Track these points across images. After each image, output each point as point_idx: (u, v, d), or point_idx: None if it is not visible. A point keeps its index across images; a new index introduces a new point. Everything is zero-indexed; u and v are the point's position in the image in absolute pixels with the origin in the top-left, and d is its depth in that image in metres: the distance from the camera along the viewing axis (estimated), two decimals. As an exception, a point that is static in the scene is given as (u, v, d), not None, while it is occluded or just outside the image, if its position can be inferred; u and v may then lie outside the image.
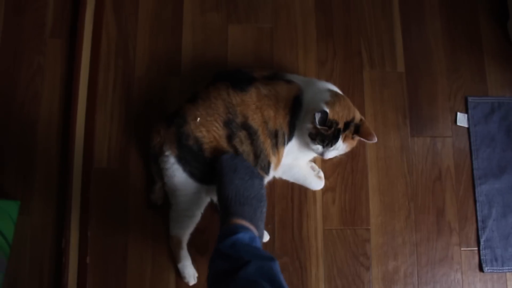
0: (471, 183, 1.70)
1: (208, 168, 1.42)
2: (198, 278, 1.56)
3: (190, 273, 1.53)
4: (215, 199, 1.47)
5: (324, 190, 1.63)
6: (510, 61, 1.81)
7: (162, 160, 1.46)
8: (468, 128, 1.74)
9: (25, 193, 1.59)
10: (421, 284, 1.61)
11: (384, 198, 1.65)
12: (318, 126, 1.33)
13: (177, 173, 1.44)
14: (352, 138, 1.41)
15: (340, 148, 1.40)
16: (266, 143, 1.42)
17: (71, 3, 1.74)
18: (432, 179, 1.69)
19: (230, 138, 1.41)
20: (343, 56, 1.75)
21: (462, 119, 1.75)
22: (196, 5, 1.76)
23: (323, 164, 1.64)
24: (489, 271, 1.63)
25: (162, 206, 1.57)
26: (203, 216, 1.55)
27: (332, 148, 1.39)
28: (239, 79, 1.45)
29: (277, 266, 1.15)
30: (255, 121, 1.41)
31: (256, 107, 1.41)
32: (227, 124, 1.40)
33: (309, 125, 1.37)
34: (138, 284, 1.55)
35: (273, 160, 1.44)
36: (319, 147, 1.39)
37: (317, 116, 1.32)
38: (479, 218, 1.67)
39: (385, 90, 1.73)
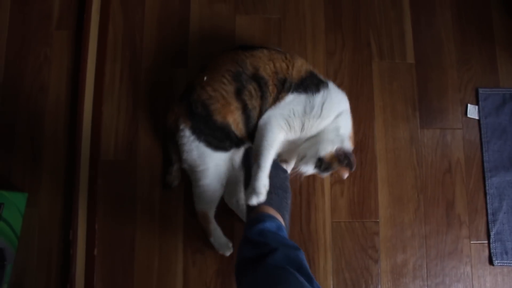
0: (482, 176, 1.69)
1: (220, 133, 1.41)
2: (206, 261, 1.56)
3: (224, 245, 1.53)
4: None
5: (333, 182, 1.63)
6: (522, 52, 1.79)
7: (179, 136, 1.46)
8: (478, 120, 1.73)
9: (32, 185, 1.60)
10: (430, 277, 1.60)
11: (393, 190, 1.65)
12: (340, 164, 1.37)
13: (193, 146, 1.44)
14: None
15: (323, 175, 1.45)
16: (272, 93, 1.39)
17: (77, -6, 1.73)
18: (442, 171, 1.68)
19: (239, 92, 1.39)
20: (352, 47, 1.74)
21: (472, 111, 1.73)
22: (204, -5, 1.75)
23: (332, 156, 1.63)
24: (499, 264, 1.62)
25: (175, 187, 1.59)
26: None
27: (321, 173, 1.42)
28: (249, 46, 1.47)
29: (303, 255, 1.16)
30: (266, 71, 1.39)
31: (268, 59, 1.40)
32: (236, 76, 1.39)
33: (328, 153, 1.37)
34: (145, 276, 1.55)
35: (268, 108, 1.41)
36: (311, 168, 1.40)
37: (346, 161, 1.37)
38: (489, 211, 1.66)
39: (395, 82, 1.72)
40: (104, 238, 1.57)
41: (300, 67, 1.42)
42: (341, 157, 1.36)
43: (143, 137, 1.63)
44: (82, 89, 1.63)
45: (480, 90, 1.75)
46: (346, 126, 1.41)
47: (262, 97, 1.39)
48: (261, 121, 1.40)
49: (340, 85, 1.61)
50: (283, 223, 1.32)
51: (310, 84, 1.40)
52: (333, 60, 1.72)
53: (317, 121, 1.39)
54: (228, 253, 1.54)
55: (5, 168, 1.60)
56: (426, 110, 1.71)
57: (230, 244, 1.54)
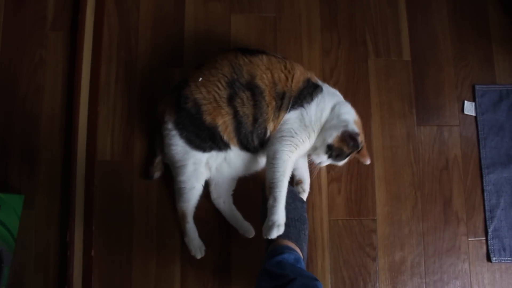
0: (479, 173, 1.69)
1: (206, 133, 1.41)
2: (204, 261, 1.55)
3: (196, 247, 1.52)
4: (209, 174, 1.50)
5: (330, 180, 1.63)
6: (519, 48, 1.80)
7: (163, 128, 1.47)
8: (475, 117, 1.73)
9: (29, 187, 1.60)
10: (428, 275, 1.60)
11: (390, 188, 1.65)
12: (348, 147, 1.38)
13: (174, 140, 1.44)
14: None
15: (341, 163, 1.45)
16: (270, 105, 1.39)
17: (72, -5, 1.73)
18: (439, 168, 1.68)
19: (231, 99, 1.39)
20: (348, 45, 1.74)
21: (469, 108, 1.73)
22: (199, -5, 1.75)
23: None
24: (497, 261, 1.63)
25: (157, 179, 1.60)
26: (207, 208, 1.57)
27: (336, 161, 1.43)
28: (249, 49, 1.46)
29: (321, 286, 1.16)
30: (263, 80, 1.38)
31: (266, 68, 1.39)
32: (230, 84, 1.39)
33: (335, 138, 1.38)
34: (143, 277, 1.56)
35: (270, 126, 1.41)
36: (324, 158, 1.41)
37: (352, 143, 1.38)
38: (487, 207, 1.66)
39: (391, 79, 1.72)
40: (101, 239, 1.57)
41: (299, 77, 1.42)
42: (347, 138, 1.37)
43: (139, 137, 1.63)
44: (77, 90, 1.63)
45: (477, 87, 1.75)
46: (346, 112, 1.42)
47: (255, 106, 1.38)
48: (269, 151, 1.41)
49: (336, 83, 1.65)
50: (301, 255, 1.34)
51: (306, 95, 1.41)
52: (329, 58, 1.72)
53: (318, 123, 1.41)
54: (199, 256, 1.52)
55: (1, 170, 1.60)
56: (422, 107, 1.72)
57: (203, 249, 1.53)
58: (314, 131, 1.41)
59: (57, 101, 1.66)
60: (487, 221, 1.65)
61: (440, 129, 1.71)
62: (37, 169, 1.61)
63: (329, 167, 1.63)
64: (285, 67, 1.41)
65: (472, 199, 1.67)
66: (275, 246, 1.33)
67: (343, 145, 1.38)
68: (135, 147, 1.62)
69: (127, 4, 1.73)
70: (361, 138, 1.41)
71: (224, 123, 1.39)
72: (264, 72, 1.38)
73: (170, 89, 1.54)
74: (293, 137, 1.39)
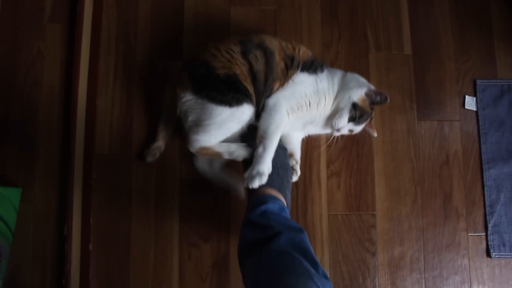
0: (479, 168, 1.69)
1: (223, 85, 1.37)
2: (202, 255, 1.54)
3: (239, 148, 1.43)
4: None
5: (329, 175, 1.63)
6: (521, 43, 1.78)
7: (180, 104, 1.44)
8: (476, 112, 1.72)
9: (27, 180, 1.59)
10: (428, 270, 1.60)
11: (390, 183, 1.64)
12: (369, 102, 1.43)
13: (197, 105, 1.40)
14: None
15: (357, 129, 1.48)
16: (279, 65, 1.41)
17: (70, -14, 1.71)
18: (439, 163, 1.67)
19: (244, 54, 1.40)
20: (349, 38, 1.73)
21: (470, 103, 1.72)
22: (198, -13, 1.73)
23: (328, 148, 1.63)
24: (496, 256, 1.62)
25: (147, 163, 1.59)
26: (206, 201, 1.56)
27: (355, 126, 1.45)
28: None
29: (306, 238, 1.17)
30: (272, 44, 1.42)
31: (274, 38, 1.45)
32: (243, 42, 1.41)
33: (360, 95, 1.42)
34: (141, 270, 1.55)
35: (276, 86, 1.41)
36: (346, 120, 1.41)
37: (379, 97, 1.42)
38: (487, 203, 1.66)
39: (392, 73, 1.71)
40: (99, 233, 1.56)
41: (305, 51, 1.47)
42: (372, 95, 1.42)
43: (138, 130, 1.62)
44: (75, 83, 1.62)
45: (478, 82, 1.74)
46: (360, 80, 1.48)
47: (267, 64, 1.40)
48: (270, 102, 1.40)
49: (336, 77, 1.61)
50: (285, 203, 1.33)
51: (317, 66, 1.44)
52: (330, 52, 1.71)
53: (332, 89, 1.44)
54: (247, 154, 1.42)
55: (-1, 163, 1.59)
56: (423, 102, 1.71)
57: (242, 147, 1.44)
58: (325, 97, 1.42)
59: (55, 94, 1.65)
60: (487, 217, 1.65)
61: (440, 124, 1.70)
62: (35, 162, 1.60)
63: (328, 160, 1.63)
64: (291, 43, 1.47)
65: (472, 195, 1.66)
66: (259, 196, 1.31)
67: (367, 104, 1.42)
68: (134, 140, 1.61)
69: (126, -5, 1.71)
70: None
71: (242, 73, 1.38)
72: (272, 39, 1.44)
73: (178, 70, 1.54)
74: (302, 98, 1.41)
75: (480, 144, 1.70)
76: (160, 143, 1.56)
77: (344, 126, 1.44)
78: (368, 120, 1.48)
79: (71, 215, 1.55)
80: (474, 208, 1.65)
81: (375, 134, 1.54)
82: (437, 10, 1.79)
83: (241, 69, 1.38)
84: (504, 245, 1.63)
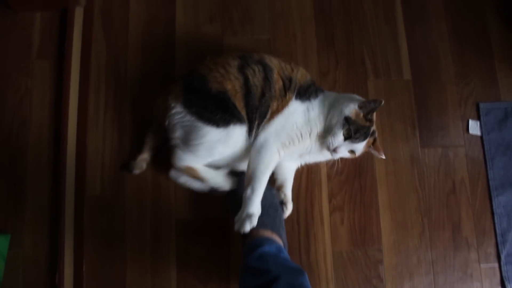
0: (488, 195, 1.63)
1: (213, 102, 1.33)
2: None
3: (222, 180, 1.43)
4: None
5: (332, 209, 1.56)
6: (522, 63, 1.74)
7: (170, 116, 1.39)
8: (481, 136, 1.68)
9: (15, 226, 1.52)
10: (440, 306, 1.53)
11: (395, 215, 1.58)
12: (364, 114, 1.34)
13: (186, 119, 1.37)
14: (369, 146, 1.41)
15: (359, 148, 1.37)
16: (277, 84, 1.37)
17: (58, 22, 1.68)
18: (445, 192, 1.62)
19: (242, 67, 1.36)
20: (346, 65, 1.69)
21: (474, 127, 1.67)
22: (189, 18, 1.70)
23: (329, 182, 1.57)
24: (512, 289, 1.55)
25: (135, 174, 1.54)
26: (204, 243, 1.51)
27: (354, 144, 1.35)
28: None
29: (306, 279, 1.13)
30: (272, 62, 1.40)
31: (274, 57, 1.43)
32: (242, 57, 1.39)
33: (352, 108, 1.34)
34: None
35: (273, 105, 1.36)
36: (341, 137, 1.34)
37: (373, 104, 1.33)
38: (498, 231, 1.60)
39: (392, 100, 1.66)
40: (92, 280, 1.49)
41: (304, 74, 1.44)
42: (365, 105, 1.34)
43: (130, 170, 1.55)
44: (65, 121, 1.57)
45: (481, 105, 1.69)
46: (354, 95, 1.43)
47: (265, 79, 1.36)
48: (259, 140, 1.36)
49: (335, 107, 1.56)
50: (281, 242, 1.30)
51: (312, 91, 1.40)
52: (327, 80, 1.67)
53: (322, 115, 1.39)
54: (228, 187, 1.42)
55: (-14, 208, 1.53)
56: (426, 128, 1.66)
57: (228, 178, 1.44)
58: (317, 125, 1.38)
59: (44, 133, 1.59)
60: (499, 246, 1.58)
61: (445, 150, 1.64)
62: (24, 207, 1.53)
63: (330, 194, 1.57)
64: (290, 64, 1.44)
65: (482, 223, 1.60)
66: (254, 239, 1.28)
67: (361, 117, 1.34)
68: (127, 180, 1.55)
69: (115, 30, 1.67)
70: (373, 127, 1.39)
71: (233, 88, 1.34)
72: (272, 58, 1.42)
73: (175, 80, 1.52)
74: (292, 131, 1.36)
75: (487, 170, 1.64)
76: (146, 155, 1.51)
77: (341, 145, 1.36)
78: (371, 139, 1.40)
79: (63, 262, 1.47)
80: (485, 238, 1.59)
81: (383, 156, 1.43)
82: (435, 33, 1.76)
83: (232, 84, 1.34)
84: (518, 276, 1.56)
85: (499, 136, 1.68)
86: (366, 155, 1.58)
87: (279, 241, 1.31)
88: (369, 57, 1.70)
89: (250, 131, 1.38)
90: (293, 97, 1.37)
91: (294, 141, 1.37)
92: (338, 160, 1.43)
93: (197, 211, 1.54)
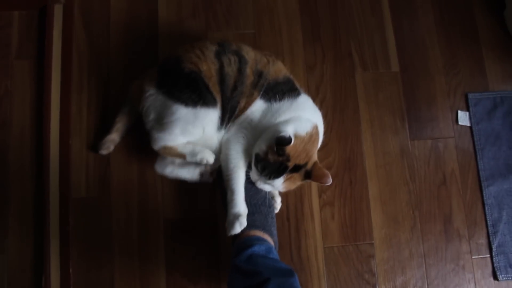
0: (478, 186, 1.64)
1: (184, 81, 1.30)
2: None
3: (203, 152, 1.35)
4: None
5: (322, 205, 1.55)
6: (509, 52, 1.76)
7: (144, 99, 1.36)
8: (470, 127, 1.68)
9: (-1, 230, 1.49)
10: (433, 299, 1.53)
11: (386, 208, 1.58)
12: (272, 151, 1.22)
13: (157, 99, 1.34)
14: (300, 180, 1.29)
15: (276, 185, 1.28)
16: (249, 79, 1.33)
17: (37, 20, 1.64)
18: (436, 184, 1.62)
19: (219, 54, 1.33)
20: (333, 59, 1.68)
21: (463, 118, 1.67)
22: (172, 14, 1.68)
23: (319, 177, 1.55)
24: (504, 279, 1.56)
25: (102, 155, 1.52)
26: (193, 241, 1.49)
27: (268, 182, 1.27)
28: None
29: (296, 281, 1.12)
30: (248, 54, 1.36)
31: (252, 49, 1.39)
32: (220, 44, 1.36)
33: (263, 145, 1.24)
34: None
35: (242, 102, 1.33)
36: (255, 173, 1.29)
37: (280, 138, 1.19)
38: (489, 222, 1.60)
39: (380, 93, 1.66)
40: (80, 283, 1.47)
41: (279, 69, 1.38)
42: (274, 140, 1.20)
43: (115, 170, 1.54)
44: (47, 122, 1.54)
45: (470, 95, 1.69)
46: (295, 125, 1.26)
47: (239, 72, 1.32)
48: (222, 142, 1.36)
49: (323, 100, 1.58)
50: (271, 242, 1.29)
51: (279, 91, 1.33)
52: (314, 74, 1.65)
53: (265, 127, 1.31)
54: (211, 159, 1.34)
55: (-32, 212, 1.50)
56: (415, 120, 1.65)
57: (210, 152, 1.36)
58: (260, 132, 1.31)
59: (26, 135, 1.56)
60: (490, 237, 1.59)
61: (434, 142, 1.64)
62: (7, 210, 1.51)
63: (319, 190, 1.56)
64: (269, 56, 1.40)
65: (473, 215, 1.61)
66: (243, 239, 1.27)
67: (270, 154, 1.23)
68: (112, 180, 1.53)
69: (96, 28, 1.64)
70: (307, 160, 1.26)
71: (208, 70, 1.30)
72: (249, 50, 1.38)
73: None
74: (246, 129, 1.34)
75: (477, 161, 1.65)
76: (114, 136, 1.49)
77: (257, 180, 1.30)
78: (298, 174, 1.27)
79: (49, 265, 1.45)
80: (476, 229, 1.59)
81: (328, 181, 1.26)
82: (422, 23, 1.76)
83: (208, 67, 1.30)
84: (511, 266, 1.57)
85: (489, 126, 1.68)
86: (355, 149, 1.58)
87: (269, 240, 1.30)
88: (356, 50, 1.69)
89: (222, 120, 1.34)
90: (259, 97, 1.33)
91: (249, 141, 1.33)
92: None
93: (185, 210, 1.52)
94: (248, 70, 1.33)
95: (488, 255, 1.58)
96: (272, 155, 1.22)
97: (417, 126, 1.65)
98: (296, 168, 1.25)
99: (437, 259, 1.56)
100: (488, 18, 1.78)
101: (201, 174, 1.43)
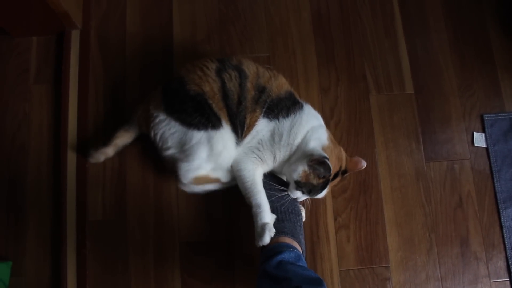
0: (495, 208, 1.66)
1: (191, 105, 1.36)
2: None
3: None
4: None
5: (337, 228, 1.59)
6: (525, 72, 1.78)
7: (154, 126, 1.41)
8: (486, 148, 1.71)
9: (17, 252, 1.56)
10: (451, 324, 1.55)
11: (402, 231, 1.61)
12: (318, 178, 1.34)
13: (172, 126, 1.39)
14: (340, 180, 1.44)
15: (320, 196, 1.40)
16: (250, 94, 1.38)
17: (54, 46, 1.72)
18: (452, 206, 1.64)
19: (219, 71, 1.38)
20: (347, 81, 1.73)
21: (479, 139, 1.71)
22: (187, 38, 1.74)
23: (334, 200, 1.60)
24: (523, 303, 1.57)
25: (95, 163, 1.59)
26: (209, 265, 1.53)
27: (313, 196, 1.39)
28: None
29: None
30: (248, 68, 1.40)
31: (253, 63, 1.44)
32: (220, 61, 1.41)
33: (300, 172, 1.34)
34: None
35: (248, 118, 1.38)
36: (298, 194, 1.38)
37: (322, 169, 1.31)
38: (507, 245, 1.62)
39: (395, 115, 1.70)
40: (96, 307, 1.51)
41: (281, 84, 1.43)
42: (315, 167, 1.32)
43: (131, 193, 1.59)
44: (64, 146, 1.61)
45: (486, 117, 1.73)
46: (317, 139, 1.39)
47: (240, 87, 1.37)
48: (233, 162, 1.40)
49: (337, 123, 1.63)
50: (300, 249, 1.32)
51: (283, 108, 1.39)
52: (328, 97, 1.70)
53: (287, 148, 1.39)
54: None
55: (-14, 235, 1.56)
56: (430, 142, 1.69)
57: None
58: (280, 152, 1.40)
59: (44, 158, 1.63)
60: (509, 260, 1.61)
61: (450, 164, 1.68)
62: (25, 233, 1.57)
63: (335, 212, 1.60)
64: (271, 70, 1.45)
65: (491, 237, 1.63)
66: (272, 245, 1.30)
67: (312, 178, 1.34)
68: (128, 204, 1.59)
69: (112, 53, 1.72)
70: (342, 162, 1.41)
71: (211, 90, 1.36)
72: (250, 64, 1.42)
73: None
74: (259, 150, 1.39)
75: (494, 183, 1.67)
76: (110, 150, 1.54)
77: (301, 198, 1.42)
78: (335, 180, 1.42)
79: (66, 287, 1.50)
80: (494, 252, 1.61)
81: (363, 165, 1.43)
82: (436, 44, 1.80)
83: (211, 86, 1.36)
84: (529, 290, 1.58)
85: (505, 148, 1.71)
86: (370, 172, 1.62)
87: (298, 248, 1.33)
88: (370, 72, 1.74)
89: (237, 134, 1.40)
90: (261, 115, 1.39)
91: (263, 160, 1.41)
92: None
93: (201, 232, 1.57)
94: (249, 85, 1.38)
95: (507, 279, 1.60)
96: (314, 179, 1.34)
97: (432, 147, 1.69)
98: (336, 175, 1.39)
99: (454, 283, 1.58)
100: (503, 38, 1.82)
101: (233, 179, 1.47)
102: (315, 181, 1.34)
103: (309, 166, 1.32)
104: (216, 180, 1.45)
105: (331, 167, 1.30)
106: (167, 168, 1.52)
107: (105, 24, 1.74)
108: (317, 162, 1.30)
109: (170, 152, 1.42)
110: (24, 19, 1.63)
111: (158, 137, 1.42)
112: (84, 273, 1.53)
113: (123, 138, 1.54)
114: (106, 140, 1.54)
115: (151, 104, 1.43)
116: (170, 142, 1.40)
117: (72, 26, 1.70)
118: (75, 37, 1.71)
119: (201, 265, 1.54)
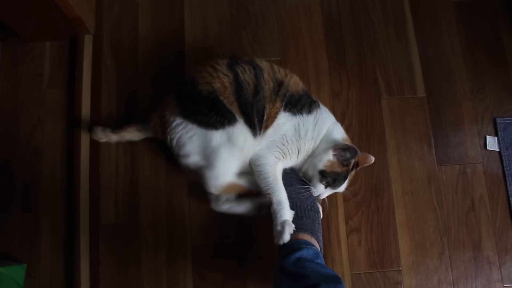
0: (508, 212, 1.69)
1: (205, 105, 1.39)
2: None
3: (252, 207, 1.50)
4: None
5: (349, 232, 1.63)
6: (539, 74, 1.81)
7: (171, 131, 1.45)
8: (499, 152, 1.74)
9: (31, 255, 1.61)
10: (463, 328, 1.59)
11: (414, 235, 1.64)
12: (340, 163, 1.40)
13: (190, 130, 1.42)
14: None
15: (342, 188, 1.48)
16: (268, 84, 1.42)
17: (68, 51, 1.78)
18: (464, 210, 1.68)
19: (231, 65, 1.42)
20: (359, 85, 1.77)
21: (492, 143, 1.74)
22: (198, 42, 1.79)
23: (345, 203, 1.64)
24: (536, 308, 1.60)
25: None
26: (221, 268, 1.57)
27: (336, 188, 1.45)
28: None
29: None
30: (262, 63, 1.45)
31: (265, 60, 1.48)
32: (231, 57, 1.45)
33: (326, 160, 1.41)
34: None
35: (267, 108, 1.41)
36: (321, 188, 1.43)
37: (348, 153, 1.40)
38: (520, 249, 1.65)
39: (406, 118, 1.74)
40: (109, 309, 1.57)
41: (297, 82, 1.48)
42: (340, 154, 1.41)
43: (144, 197, 1.64)
44: (77, 150, 1.66)
45: (498, 120, 1.76)
46: (337, 132, 1.49)
47: (256, 77, 1.41)
48: (253, 158, 1.43)
49: (349, 127, 1.67)
50: (318, 247, 1.35)
51: (304, 104, 1.45)
52: (340, 101, 1.74)
53: (312, 142, 1.45)
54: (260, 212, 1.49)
55: (1, 238, 1.62)
56: (442, 145, 1.72)
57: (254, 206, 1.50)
58: (305, 147, 1.45)
59: (57, 162, 1.68)
60: (522, 264, 1.64)
61: (462, 167, 1.71)
62: (39, 236, 1.63)
63: (346, 216, 1.64)
64: (285, 69, 1.48)
65: (504, 241, 1.65)
66: (292, 241, 1.32)
67: (336, 166, 1.41)
68: (141, 207, 1.63)
69: (125, 56, 1.77)
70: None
71: (222, 85, 1.39)
72: (263, 60, 1.47)
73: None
74: (283, 145, 1.43)
75: (506, 186, 1.70)
76: (114, 138, 1.59)
77: (324, 192, 1.46)
78: (353, 171, 1.48)
79: (79, 290, 1.55)
80: (507, 256, 1.64)
81: (372, 160, 1.52)
82: (448, 47, 1.83)
83: (221, 82, 1.40)
84: (543, 294, 1.61)
85: (518, 151, 1.74)
86: (381, 175, 1.65)
87: (316, 245, 1.37)
88: (381, 75, 1.78)
89: (252, 127, 1.42)
90: (282, 108, 1.42)
91: (286, 155, 1.44)
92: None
93: (213, 236, 1.61)
94: (266, 76, 1.43)
95: (520, 283, 1.63)
96: (339, 166, 1.41)
97: (444, 151, 1.72)
98: (353, 167, 1.46)
99: (466, 287, 1.61)
100: (515, 40, 1.85)
101: (260, 207, 1.50)
102: (339, 169, 1.41)
103: (334, 155, 1.41)
104: (243, 188, 1.47)
105: (357, 149, 1.39)
106: (190, 180, 1.60)
107: (118, 29, 1.80)
108: (342, 150, 1.40)
109: (192, 160, 1.44)
110: (37, 24, 1.68)
111: (175, 141, 1.45)
112: (97, 276, 1.58)
113: (131, 135, 1.59)
114: (116, 128, 1.59)
115: (167, 109, 1.47)
116: (189, 147, 1.43)
117: (85, 31, 1.75)
118: (88, 42, 1.76)
119: (213, 268, 1.58)
